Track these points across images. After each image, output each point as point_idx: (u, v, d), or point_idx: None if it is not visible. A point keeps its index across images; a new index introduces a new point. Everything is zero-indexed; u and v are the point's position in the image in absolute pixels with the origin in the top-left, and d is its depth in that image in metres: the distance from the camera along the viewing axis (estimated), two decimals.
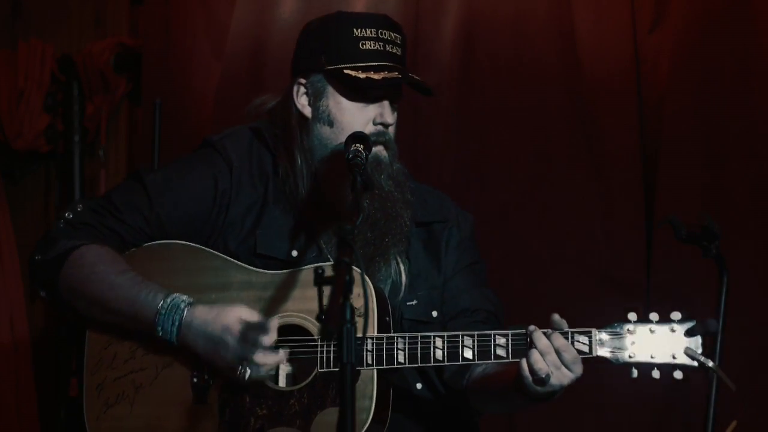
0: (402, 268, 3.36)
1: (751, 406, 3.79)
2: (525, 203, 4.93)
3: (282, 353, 3.13)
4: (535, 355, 3.02)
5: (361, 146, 3.17)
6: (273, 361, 3.11)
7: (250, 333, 3.09)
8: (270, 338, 3.10)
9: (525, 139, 4.95)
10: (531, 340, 3.05)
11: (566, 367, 3.03)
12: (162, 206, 3.33)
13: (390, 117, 3.30)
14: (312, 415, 3.12)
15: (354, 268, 2.63)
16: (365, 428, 3.07)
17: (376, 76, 3.26)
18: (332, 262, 2.87)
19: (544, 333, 3.05)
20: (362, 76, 3.27)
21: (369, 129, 3.29)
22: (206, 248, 3.31)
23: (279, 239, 3.31)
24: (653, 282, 4.79)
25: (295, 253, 3.28)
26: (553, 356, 3.02)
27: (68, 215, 3.32)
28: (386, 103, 3.30)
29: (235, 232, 3.32)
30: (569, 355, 3.03)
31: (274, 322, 3.12)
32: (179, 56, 5.34)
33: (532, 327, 3.06)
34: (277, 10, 5.19)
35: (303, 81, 3.37)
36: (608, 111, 4.88)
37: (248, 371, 3.11)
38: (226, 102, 5.22)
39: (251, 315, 3.13)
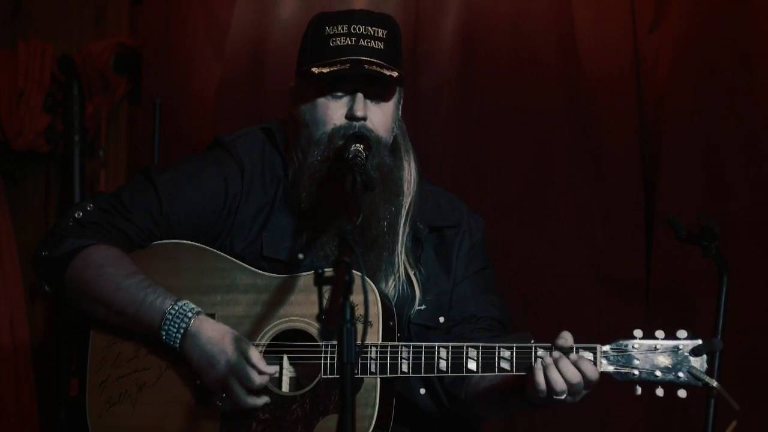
0: (413, 277, 3.35)
1: (751, 406, 3.78)
2: (525, 203, 4.93)
3: (262, 399, 3.13)
4: (554, 374, 2.99)
5: (361, 146, 3.17)
6: (252, 404, 3.12)
7: (244, 371, 3.10)
8: (261, 381, 3.10)
9: (525, 139, 4.95)
10: (558, 367, 3.01)
11: (587, 388, 3.02)
12: (171, 207, 3.33)
13: (360, 110, 3.26)
14: (314, 422, 3.11)
15: (356, 272, 2.62)
16: None
17: (335, 69, 3.25)
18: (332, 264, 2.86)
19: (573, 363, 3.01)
20: (326, 71, 3.26)
21: (341, 123, 3.28)
22: (213, 249, 3.31)
23: (285, 241, 3.31)
24: (653, 282, 4.79)
25: (301, 255, 3.27)
26: (579, 387, 3.00)
27: (78, 215, 3.32)
28: (359, 96, 3.27)
29: (242, 235, 3.32)
30: (593, 376, 3.01)
31: (268, 369, 3.11)
32: (179, 56, 5.34)
33: (557, 354, 3.02)
34: (277, 10, 5.19)
35: (292, 85, 3.41)
36: (608, 111, 4.88)
37: (223, 404, 3.14)
38: (226, 102, 5.22)
39: (251, 352, 3.11)
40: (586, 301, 4.80)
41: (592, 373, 3.01)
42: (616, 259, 4.84)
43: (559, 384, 2.98)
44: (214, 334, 3.15)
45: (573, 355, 3.01)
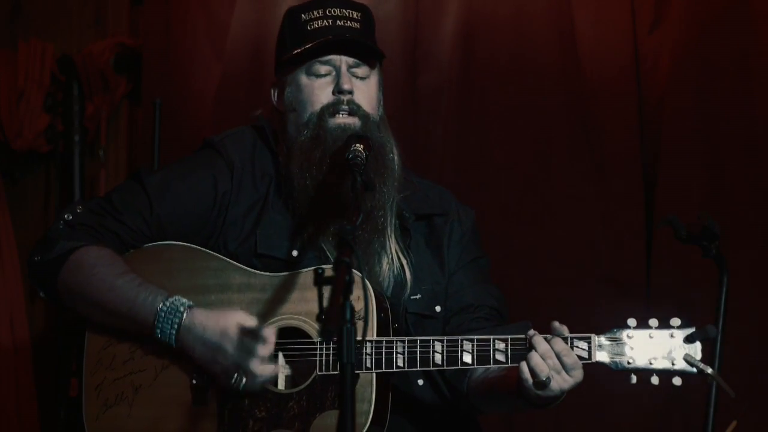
0: (404, 263, 3.35)
1: (750, 406, 3.78)
2: (525, 203, 4.93)
3: (277, 365, 3.13)
4: (535, 357, 3.02)
5: (361, 146, 3.17)
6: (269, 372, 3.12)
7: (248, 342, 3.09)
8: (267, 348, 3.10)
9: (525, 139, 4.95)
10: (531, 344, 3.04)
11: (566, 371, 3.03)
12: (162, 208, 3.33)
13: (347, 83, 3.31)
14: (311, 418, 3.11)
15: (355, 271, 2.62)
16: (363, 431, 3.07)
17: (319, 41, 3.30)
18: (332, 263, 2.85)
19: (545, 338, 3.05)
20: (309, 45, 3.31)
21: (329, 100, 3.32)
22: (205, 249, 3.31)
23: (279, 239, 3.31)
24: (653, 282, 4.79)
25: (295, 252, 3.28)
26: (554, 360, 3.02)
27: (68, 216, 3.32)
28: (343, 70, 3.32)
29: (235, 233, 3.33)
30: (569, 359, 3.03)
31: (272, 332, 3.11)
32: (179, 56, 5.34)
33: (531, 332, 3.06)
34: (277, 10, 5.17)
35: (274, 81, 3.45)
36: (608, 111, 4.88)
37: (243, 380, 3.12)
38: (226, 102, 5.22)
39: (250, 321, 3.12)
40: (586, 302, 4.80)
41: (563, 348, 3.03)
42: (616, 259, 4.84)
43: (539, 365, 3.01)
44: (209, 321, 3.15)
45: (547, 336, 3.05)
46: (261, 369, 3.10)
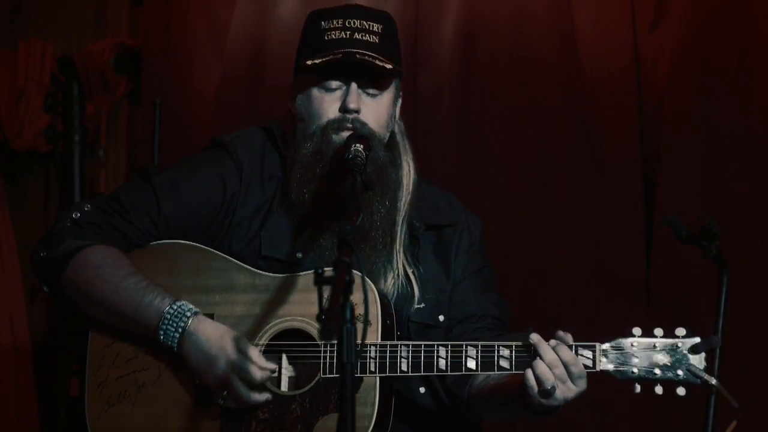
0: (410, 274, 3.35)
1: (751, 406, 3.78)
2: (525, 203, 4.93)
3: (264, 395, 3.14)
4: (541, 365, 3.00)
5: (361, 146, 3.17)
6: (254, 400, 3.12)
7: (246, 367, 3.09)
8: (262, 376, 3.10)
9: (525, 139, 4.95)
10: (537, 352, 3.03)
11: (572, 381, 3.02)
12: (169, 207, 3.32)
13: (353, 102, 3.27)
14: (313, 421, 3.11)
15: (356, 272, 2.62)
16: None
17: (327, 59, 3.26)
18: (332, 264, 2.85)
19: (551, 345, 3.03)
20: (319, 61, 3.27)
21: (335, 116, 3.29)
22: (211, 249, 3.30)
23: (283, 241, 3.30)
24: (653, 282, 4.79)
25: (299, 254, 3.28)
26: (560, 369, 3.00)
27: (75, 215, 3.31)
28: (353, 88, 3.28)
29: (240, 234, 3.32)
30: (576, 369, 3.01)
31: (270, 364, 3.12)
32: (179, 56, 5.34)
33: (535, 336, 3.05)
34: (277, 10, 5.19)
35: (291, 83, 3.42)
36: (608, 111, 4.88)
37: (225, 401, 3.13)
38: (226, 102, 5.22)
39: (249, 348, 3.11)
40: (586, 301, 4.80)
41: (570, 358, 3.01)
42: (616, 259, 4.84)
43: (545, 374, 2.99)
44: (213, 333, 3.15)
45: (552, 341, 3.03)
46: (247, 396, 3.11)
